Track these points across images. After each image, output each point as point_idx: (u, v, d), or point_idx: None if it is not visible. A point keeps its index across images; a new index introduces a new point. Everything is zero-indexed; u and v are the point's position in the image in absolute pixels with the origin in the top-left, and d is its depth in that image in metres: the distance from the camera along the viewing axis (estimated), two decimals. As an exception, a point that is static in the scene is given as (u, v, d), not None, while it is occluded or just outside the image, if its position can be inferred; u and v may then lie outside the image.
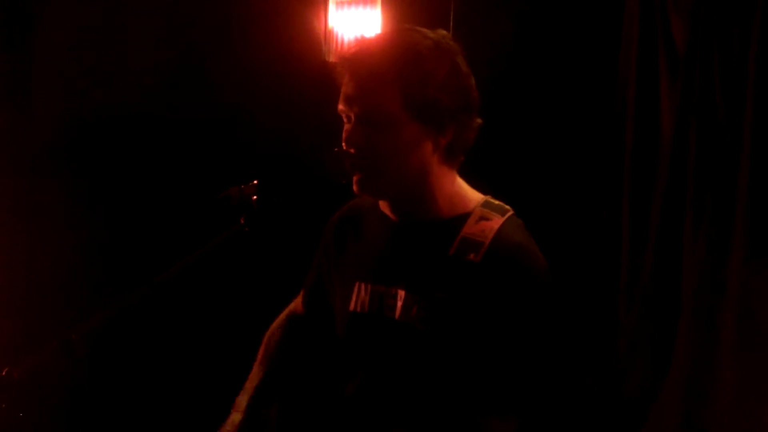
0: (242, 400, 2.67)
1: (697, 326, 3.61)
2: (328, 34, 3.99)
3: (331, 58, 3.92)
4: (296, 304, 2.78)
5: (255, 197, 2.19)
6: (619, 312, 3.95)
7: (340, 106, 2.32)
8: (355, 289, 2.43)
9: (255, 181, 2.21)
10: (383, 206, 2.43)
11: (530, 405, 2.25)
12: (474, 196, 2.39)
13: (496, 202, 2.38)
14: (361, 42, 2.39)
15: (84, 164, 4.25)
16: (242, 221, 2.19)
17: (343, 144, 2.31)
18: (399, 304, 2.33)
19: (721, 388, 3.53)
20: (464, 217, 2.33)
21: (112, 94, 4.24)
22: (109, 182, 4.24)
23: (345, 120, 2.33)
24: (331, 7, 4.06)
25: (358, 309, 2.42)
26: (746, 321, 3.47)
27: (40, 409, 3.72)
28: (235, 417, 2.65)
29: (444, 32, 2.34)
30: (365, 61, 2.29)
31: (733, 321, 3.50)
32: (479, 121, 2.36)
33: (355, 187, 2.32)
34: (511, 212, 2.35)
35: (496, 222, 2.30)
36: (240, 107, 4.25)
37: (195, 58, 4.29)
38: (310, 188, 2.26)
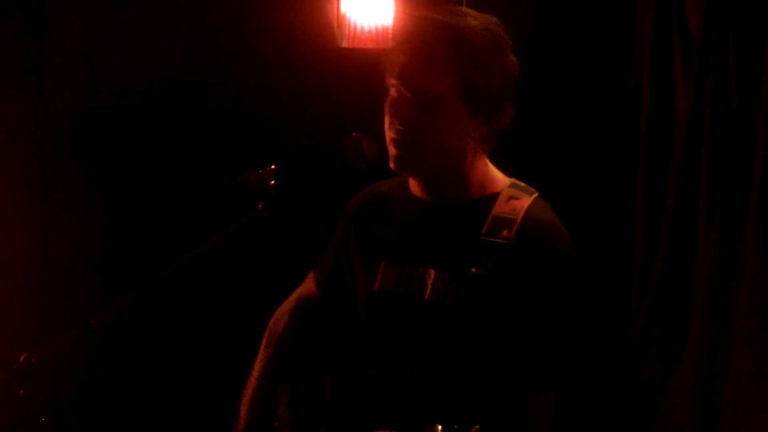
0: (250, 386, 2.67)
1: (711, 312, 3.60)
2: (340, 19, 3.97)
3: (344, 44, 3.91)
4: (305, 287, 2.77)
5: (273, 182, 2.20)
6: (632, 297, 3.94)
7: (393, 80, 2.34)
8: (381, 269, 2.45)
9: (273, 166, 2.21)
10: (414, 188, 2.45)
11: (568, 380, 2.28)
12: (502, 177, 2.45)
13: (522, 184, 2.44)
14: (420, 21, 2.42)
15: (99, 151, 4.24)
16: (261, 206, 2.19)
17: (388, 117, 2.33)
18: (429, 283, 2.36)
19: (735, 373, 3.52)
20: (493, 197, 2.38)
21: (127, 81, 4.23)
22: (126, 169, 4.24)
23: (394, 93, 2.35)
24: (344, -9, 4.04)
25: (384, 288, 2.43)
26: (761, 306, 3.45)
27: (59, 395, 3.75)
28: (245, 404, 2.66)
29: (495, 20, 2.39)
30: (424, 41, 2.33)
31: (747, 307, 3.49)
32: (512, 110, 2.41)
33: (392, 164, 2.36)
34: (537, 194, 2.41)
35: (526, 201, 2.36)
36: (255, 93, 4.24)
37: (210, 45, 4.29)
38: (328, 173, 2.26)
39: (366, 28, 3.85)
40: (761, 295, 3.44)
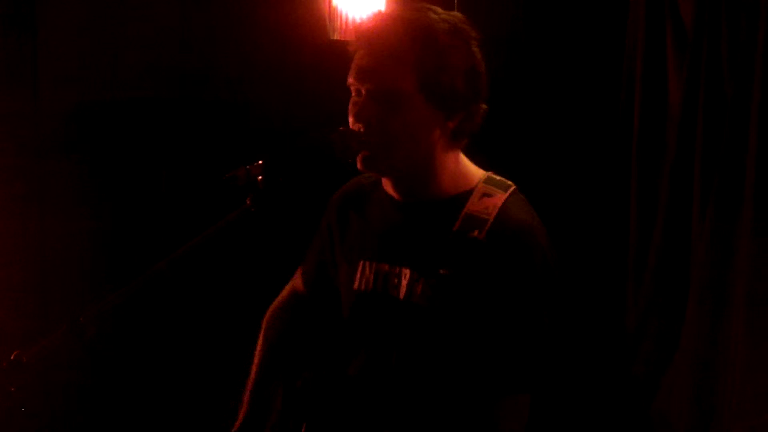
0: (249, 384, 2.69)
1: (706, 303, 3.60)
2: (332, 12, 3.96)
3: (336, 37, 3.90)
4: (295, 283, 2.78)
5: (261, 177, 2.19)
6: (627, 289, 3.94)
7: (351, 80, 2.32)
8: (360, 268, 2.44)
9: (261, 162, 2.21)
10: (387, 186, 2.43)
11: (541, 383, 2.26)
12: (476, 172, 2.40)
13: (498, 177, 2.39)
14: (378, 17, 2.39)
15: (91, 147, 4.24)
16: (248, 202, 2.18)
17: (351, 118, 2.31)
18: (404, 282, 2.34)
19: (730, 365, 3.52)
20: (467, 194, 2.34)
21: (118, 77, 4.23)
22: (116, 165, 4.24)
23: (354, 93, 2.33)
24: (336, -16, 4.03)
25: (363, 288, 2.43)
26: (756, 298, 3.45)
27: (49, 393, 3.75)
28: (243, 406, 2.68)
29: (460, 16, 2.35)
30: (383, 38, 2.29)
31: (742, 297, 3.48)
32: (485, 107, 2.37)
33: (359, 165, 2.33)
34: (513, 187, 2.37)
35: (499, 198, 2.32)
36: (245, 87, 4.24)
37: (200, 39, 4.28)
38: (316, 168, 2.25)
39: (358, 21, 3.85)
40: (756, 286, 3.44)
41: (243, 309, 3.38)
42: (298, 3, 4.12)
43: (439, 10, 2.34)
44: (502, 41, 3.95)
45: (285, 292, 2.80)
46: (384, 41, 2.28)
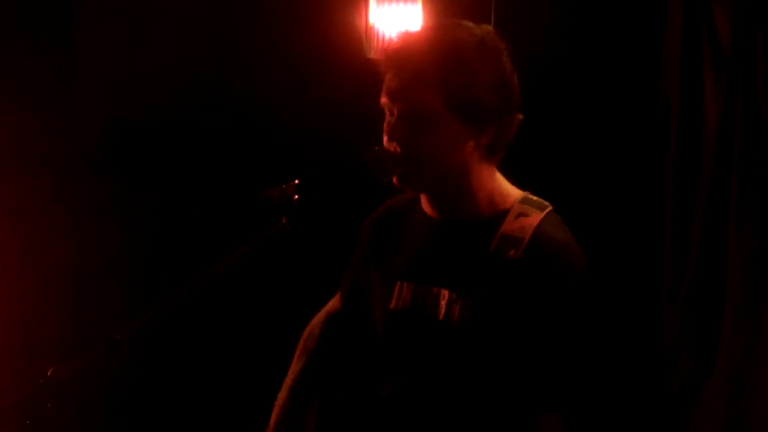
0: (281, 396, 2.69)
1: (741, 320, 3.59)
2: (369, 30, 3.99)
3: (373, 55, 3.92)
4: (334, 301, 2.78)
5: (296, 197, 2.20)
6: (662, 306, 3.93)
7: (383, 100, 2.33)
8: (397, 288, 2.43)
9: (296, 181, 2.22)
10: (425, 205, 2.43)
11: (576, 402, 2.25)
12: (513, 192, 2.39)
13: (535, 198, 2.38)
14: (406, 37, 2.39)
15: (127, 165, 4.28)
16: (284, 221, 2.19)
17: (385, 138, 2.32)
18: (442, 303, 2.33)
19: (766, 384, 3.50)
20: (503, 214, 2.33)
21: (154, 95, 4.26)
22: (152, 183, 4.27)
23: (387, 113, 2.34)
24: (372, 3, 4.05)
25: (399, 307, 2.42)
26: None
27: (85, 409, 3.76)
28: (274, 414, 2.67)
29: (489, 28, 2.34)
30: (410, 58, 2.29)
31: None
32: (520, 117, 2.36)
33: (395, 181, 2.33)
34: (549, 208, 2.35)
35: (535, 218, 2.30)
36: (281, 106, 4.26)
37: (237, 57, 4.31)
38: (351, 187, 2.26)
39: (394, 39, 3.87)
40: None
41: (278, 327, 3.40)
42: (335, 22, 4.15)
43: (469, 24, 2.33)
44: (539, 56, 3.94)
45: (325, 309, 2.81)
46: (410, 61, 2.28)
